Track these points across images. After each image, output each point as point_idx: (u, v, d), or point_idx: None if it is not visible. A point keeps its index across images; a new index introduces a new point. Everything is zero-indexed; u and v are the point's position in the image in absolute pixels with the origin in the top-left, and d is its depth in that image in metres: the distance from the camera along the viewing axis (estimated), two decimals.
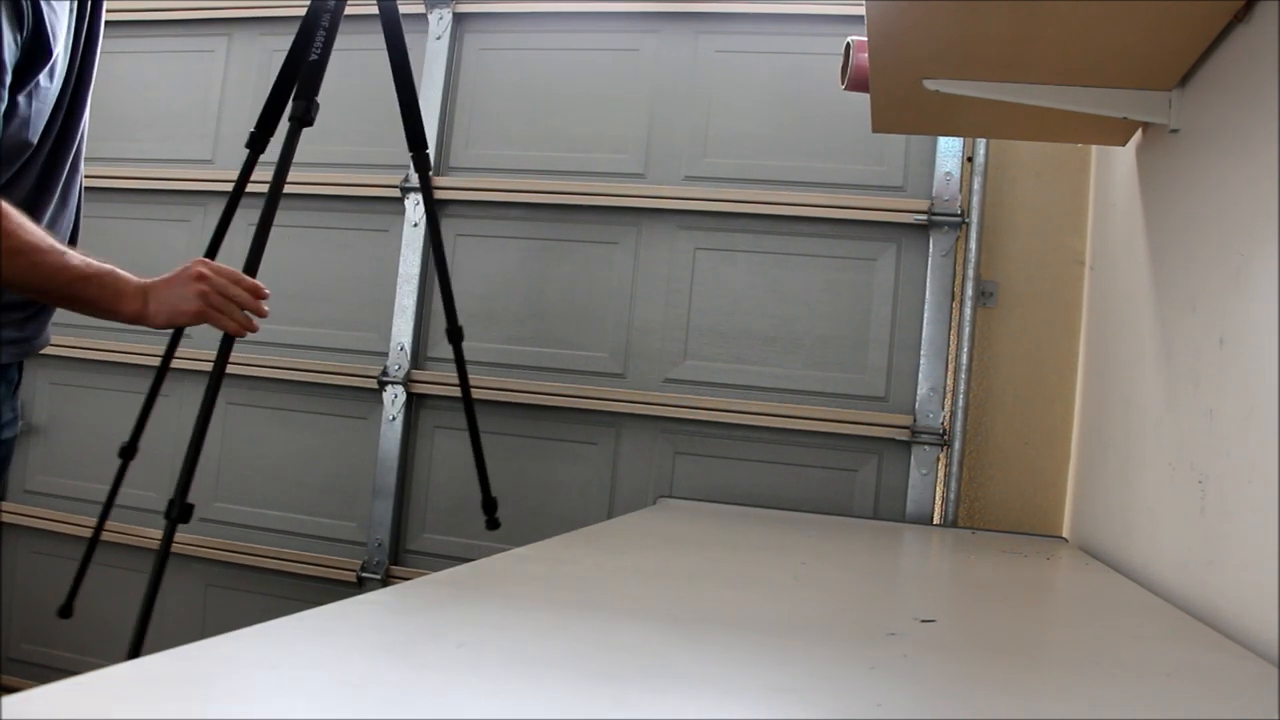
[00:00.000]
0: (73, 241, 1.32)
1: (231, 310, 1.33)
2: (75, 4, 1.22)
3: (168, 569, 2.33)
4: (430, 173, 1.86)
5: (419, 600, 0.80)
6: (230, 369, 2.00)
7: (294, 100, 1.60)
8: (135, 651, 1.59)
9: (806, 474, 2.02)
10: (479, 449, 1.98)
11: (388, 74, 1.82)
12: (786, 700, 0.60)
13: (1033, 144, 1.97)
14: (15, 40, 1.10)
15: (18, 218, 1.12)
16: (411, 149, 1.85)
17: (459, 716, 0.50)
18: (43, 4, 1.13)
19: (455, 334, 1.93)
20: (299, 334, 2.28)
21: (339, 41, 1.86)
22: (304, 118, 1.58)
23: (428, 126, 2.23)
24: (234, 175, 2.34)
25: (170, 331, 1.62)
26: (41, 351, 1.39)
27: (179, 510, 1.51)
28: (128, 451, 1.77)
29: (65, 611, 1.87)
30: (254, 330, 1.38)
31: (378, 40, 1.81)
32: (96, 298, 1.21)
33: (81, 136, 1.31)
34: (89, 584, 2.38)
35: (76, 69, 1.26)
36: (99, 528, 1.78)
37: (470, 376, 2.16)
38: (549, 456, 2.15)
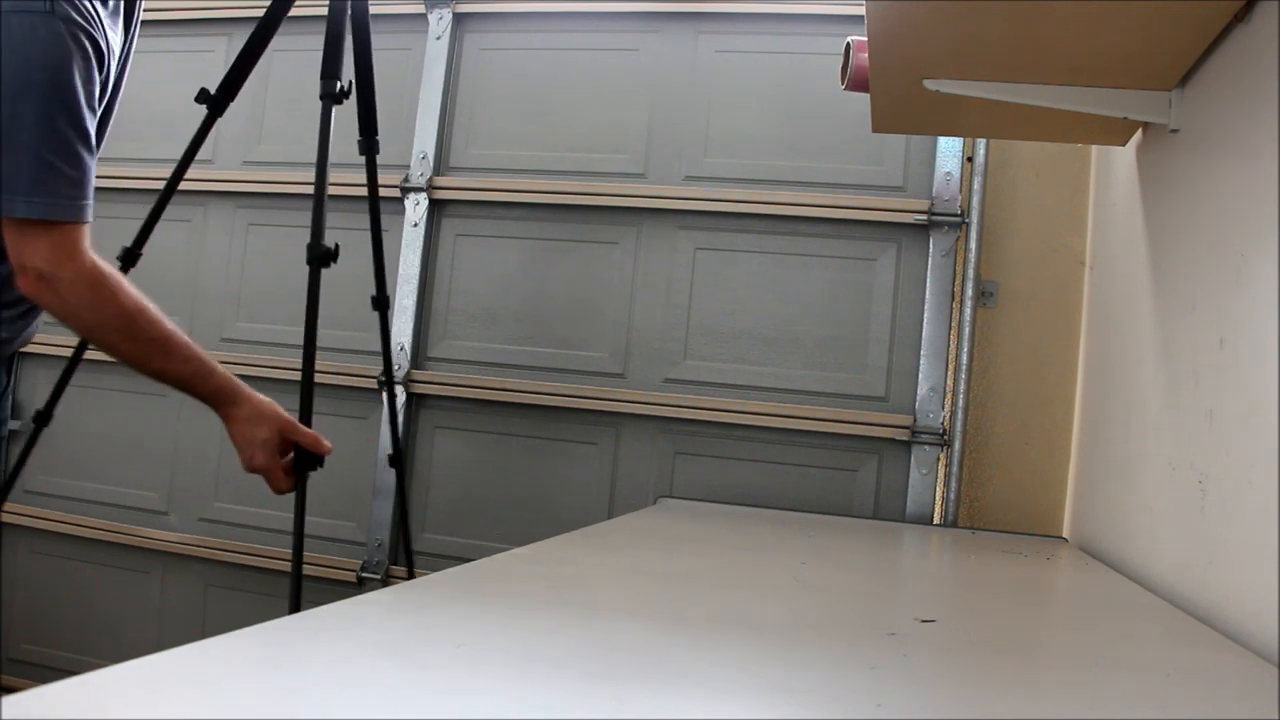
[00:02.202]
0: None
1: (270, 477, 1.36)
2: (123, 29, 1.21)
3: (168, 568, 2.34)
4: (376, 155, 1.85)
5: (419, 600, 0.80)
6: (230, 369, 1.98)
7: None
8: None
9: (806, 474, 2.02)
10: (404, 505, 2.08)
11: (387, 75, 1.81)
12: (786, 700, 0.60)
13: (1033, 144, 1.97)
14: (93, 97, 1.12)
15: (154, 308, 1.20)
16: (362, 133, 1.84)
17: (459, 716, 0.50)
18: (98, 37, 1.13)
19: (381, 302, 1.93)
20: (299, 334, 2.27)
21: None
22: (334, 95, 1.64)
23: (427, 126, 2.24)
24: (234, 175, 2.36)
25: None
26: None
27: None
28: (43, 418, 1.85)
29: None
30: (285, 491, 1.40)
31: (377, 41, 1.81)
32: (208, 394, 1.28)
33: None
34: (89, 584, 2.38)
35: (112, 85, 1.24)
36: None
37: (469, 376, 2.18)
38: (549, 456, 2.15)
